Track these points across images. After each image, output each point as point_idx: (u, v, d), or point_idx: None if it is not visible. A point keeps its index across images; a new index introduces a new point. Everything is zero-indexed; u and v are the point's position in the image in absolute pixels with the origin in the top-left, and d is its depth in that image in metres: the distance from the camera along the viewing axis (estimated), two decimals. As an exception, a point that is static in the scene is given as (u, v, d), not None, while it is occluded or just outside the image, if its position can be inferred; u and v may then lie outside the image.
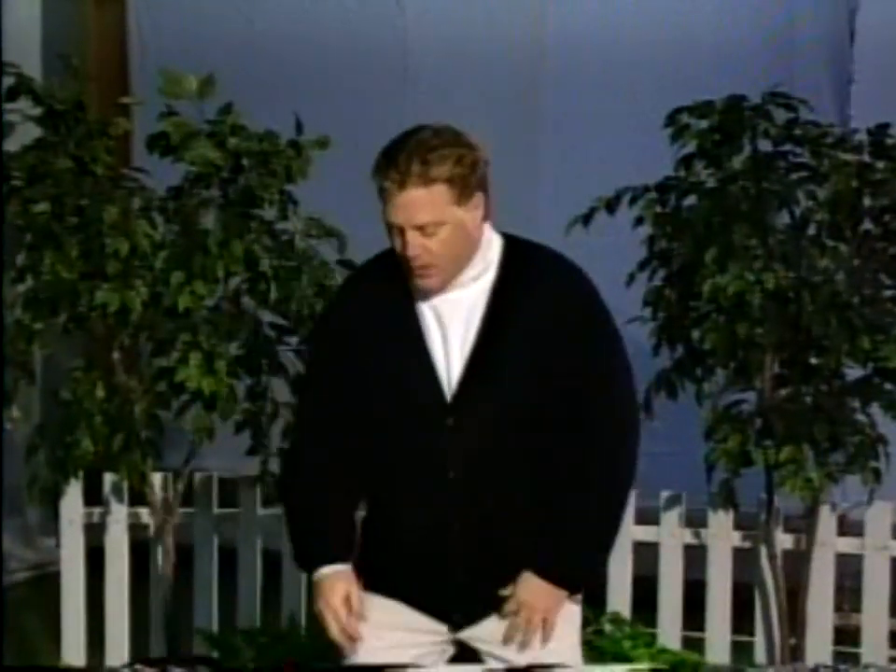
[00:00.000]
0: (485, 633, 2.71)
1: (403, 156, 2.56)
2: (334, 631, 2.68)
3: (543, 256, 2.71)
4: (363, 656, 2.71)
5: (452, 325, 2.63)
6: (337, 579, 2.68)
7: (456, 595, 2.71)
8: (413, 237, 2.56)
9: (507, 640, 2.67)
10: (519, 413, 2.63)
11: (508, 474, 2.65)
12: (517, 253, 2.68)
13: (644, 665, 3.79)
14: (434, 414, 2.63)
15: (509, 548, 2.67)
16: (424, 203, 2.55)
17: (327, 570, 2.68)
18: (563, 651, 2.73)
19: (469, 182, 2.58)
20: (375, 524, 2.77)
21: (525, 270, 2.66)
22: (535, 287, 2.65)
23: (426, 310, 2.65)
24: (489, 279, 2.65)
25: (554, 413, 2.64)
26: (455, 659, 2.80)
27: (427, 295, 2.64)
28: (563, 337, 2.62)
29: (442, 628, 2.74)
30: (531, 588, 2.65)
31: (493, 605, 2.70)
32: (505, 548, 2.67)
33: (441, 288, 2.62)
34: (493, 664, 2.72)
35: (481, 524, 2.65)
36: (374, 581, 2.76)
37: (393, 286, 2.64)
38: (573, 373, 2.63)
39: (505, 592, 2.68)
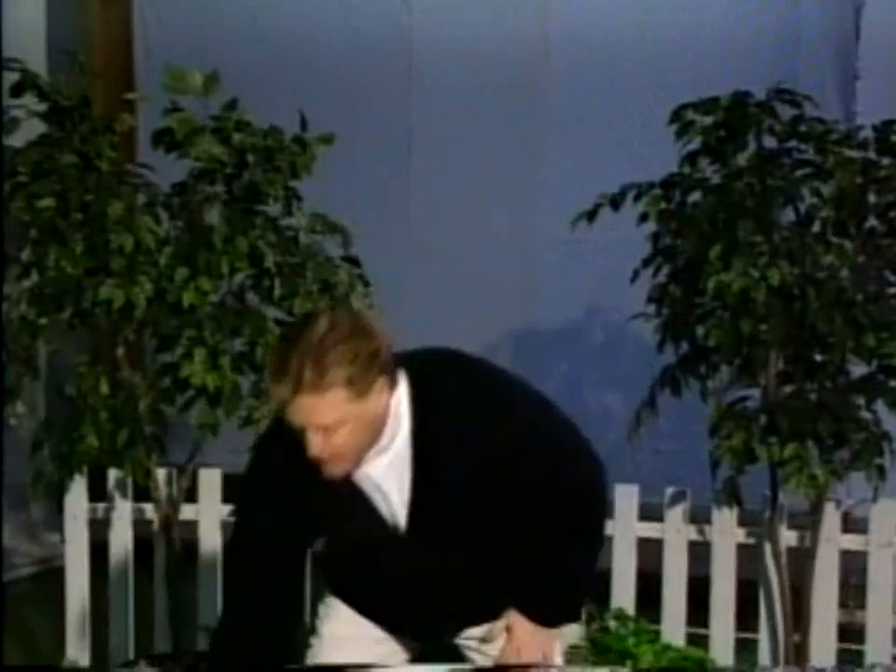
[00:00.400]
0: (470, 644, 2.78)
1: (295, 360, 2.40)
2: None
3: (449, 382, 2.59)
4: (328, 640, 2.76)
5: (386, 483, 2.58)
6: None
7: (429, 633, 2.76)
8: (313, 437, 2.44)
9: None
10: (477, 534, 2.62)
11: (474, 578, 2.67)
12: (424, 391, 2.56)
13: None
14: (388, 553, 2.63)
15: (481, 602, 2.72)
16: (320, 408, 2.41)
17: None
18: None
19: (368, 376, 2.43)
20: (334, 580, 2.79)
21: (439, 405, 2.56)
22: (453, 420, 2.56)
23: (358, 473, 2.58)
24: (406, 430, 2.55)
25: (512, 514, 2.62)
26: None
27: None
28: (490, 445, 2.56)
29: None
30: (525, 630, 2.70)
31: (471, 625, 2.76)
32: (477, 603, 2.72)
33: (351, 471, 2.53)
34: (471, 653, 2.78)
35: (450, 606, 2.70)
36: (341, 596, 2.80)
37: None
38: (519, 474, 2.59)
39: (498, 627, 2.72)
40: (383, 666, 2.70)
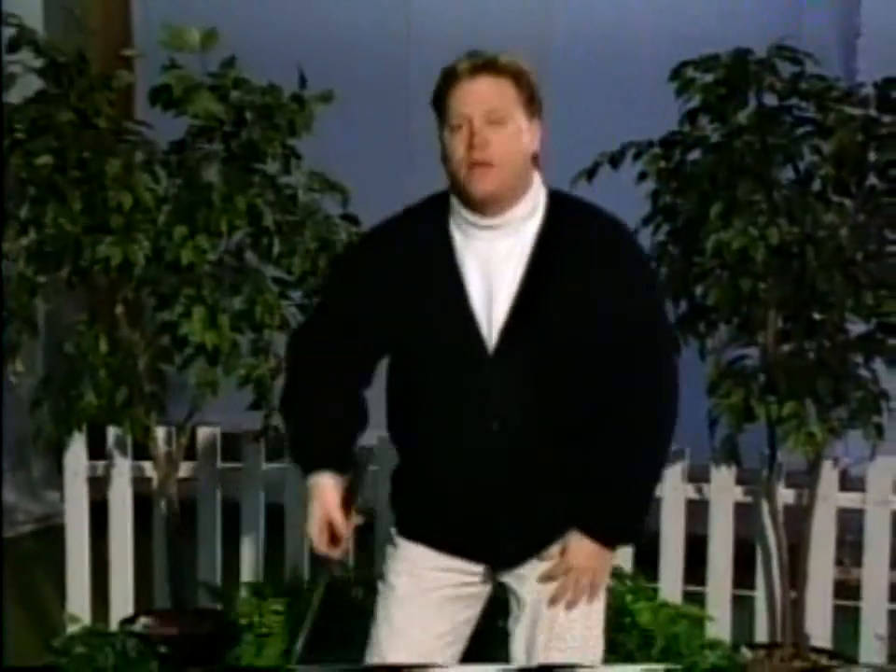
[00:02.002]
0: (527, 582, 2.74)
1: (473, 51, 2.60)
2: (317, 549, 2.70)
3: (586, 206, 2.73)
4: (398, 597, 2.75)
5: (498, 273, 2.62)
6: (319, 495, 2.66)
7: (496, 543, 2.70)
8: (480, 127, 2.56)
9: (554, 601, 2.69)
10: (562, 361, 2.62)
11: (549, 423, 2.63)
12: (561, 202, 2.70)
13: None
14: (475, 365, 2.61)
15: (551, 496, 2.67)
16: (494, 90, 2.57)
17: (315, 479, 2.67)
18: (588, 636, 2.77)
19: (532, 95, 2.62)
20: (409, 472, 2.76)
21: (569, 218, 2.67)
22: (579, 235, 2.66)
23: (470, 259, 2.62)
24: (535, 225, 2.64)
25: (596, 359, 2.63)
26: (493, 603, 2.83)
27: (480, 207, 2.60)
28: (607, 283, 2.62)
29: (480, 568, 2.75)
30: (581, 550, 2.67)
31: (534, 551, 2.71)
32: (547, 496, 2.67)
33: (494, 196, 2.58)
34: (527, 609, 2.75)
35: (522, 472, 2.64)
36: (409, 528, 2.78)
37: (437, 230, 2.64)
38: (616, 319, 2.62)
39: (553, 551, 2.69)
40: (419, 667, 2.71)
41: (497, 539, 2.70)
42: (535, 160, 2.67)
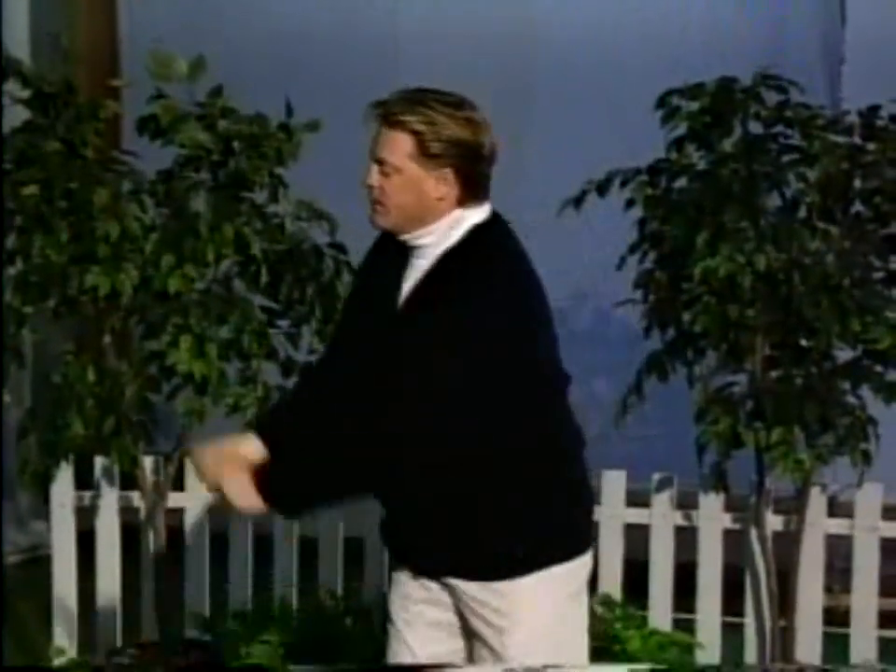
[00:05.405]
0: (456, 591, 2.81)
1: (396, 96, 2.69)
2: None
3: (487, 243, 2.70)
4: (396, 630, 2.87)
5: (406, 284, 2.76)
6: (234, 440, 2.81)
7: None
8: (373, 169, 2.69)
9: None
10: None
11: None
12: (473, 236, 2.70)
13: (644, 666, 3.79)
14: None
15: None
16: (387, 142, 2.66)
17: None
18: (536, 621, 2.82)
19: (433, 147, 2.64)
20: None
21: (462, 248, 2.69)
22: (453, 263, 2.69)
23: (399, 272, 2.76)
24: (443, 249, 2.71)
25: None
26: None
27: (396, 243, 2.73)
28: (435, 303, 2.67)
29: (432, 584, 2.82)
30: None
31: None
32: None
33: (388, 229, 2.73)
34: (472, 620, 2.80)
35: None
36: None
37: (398, 247, 2.76)
38: (416, 336, 2.66)
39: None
40: (432, 666, 2.73)
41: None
42: (463, 198, 2.67)
